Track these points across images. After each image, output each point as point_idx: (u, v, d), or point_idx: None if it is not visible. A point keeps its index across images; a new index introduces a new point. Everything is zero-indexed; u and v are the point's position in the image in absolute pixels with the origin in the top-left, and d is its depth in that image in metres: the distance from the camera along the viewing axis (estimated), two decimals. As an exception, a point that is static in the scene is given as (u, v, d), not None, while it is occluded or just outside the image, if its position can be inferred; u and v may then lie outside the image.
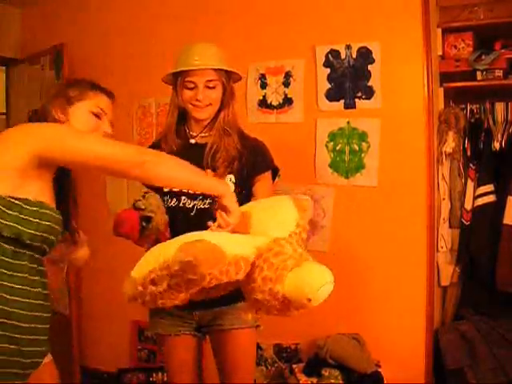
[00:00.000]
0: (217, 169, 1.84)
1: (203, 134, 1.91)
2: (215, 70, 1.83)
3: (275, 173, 1.98)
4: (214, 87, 1.84)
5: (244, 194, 1.84)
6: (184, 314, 1.89)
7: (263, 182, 1.91)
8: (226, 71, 1.87)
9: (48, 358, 1.59)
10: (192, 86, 1.83)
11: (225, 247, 1.26)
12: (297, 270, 1.27)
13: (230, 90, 1.89)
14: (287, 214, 1.48)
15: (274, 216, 1.48)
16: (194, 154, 1.82)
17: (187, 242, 1.26)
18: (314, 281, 1.24)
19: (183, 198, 1.84)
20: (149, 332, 2.00)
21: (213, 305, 1.82)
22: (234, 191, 1.76)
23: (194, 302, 1.77)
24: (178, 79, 1.86)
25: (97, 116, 1.58)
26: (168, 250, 1.28)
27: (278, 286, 1.26)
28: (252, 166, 1.87)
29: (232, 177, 1.85)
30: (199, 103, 1.83)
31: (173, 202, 1.86)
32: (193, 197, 1.83)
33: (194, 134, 1.92)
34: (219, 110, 1.89)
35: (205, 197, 1.82)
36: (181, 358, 1.94)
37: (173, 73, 1.88)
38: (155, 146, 1.95)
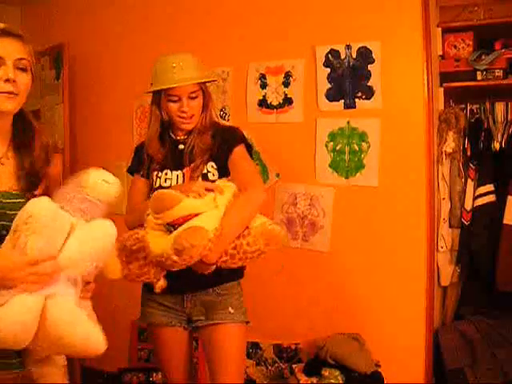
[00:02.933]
0: (194, 161, 1.91)
1: (186, 137, 2.00)
2: None
3: (249, 151, 2.02)
4: (196, 97, 1.92)
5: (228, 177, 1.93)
6: (174, 303, 1.95)
7: (239, 157, 1.94)
8: None
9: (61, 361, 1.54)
10: (176, 98, 1.90)
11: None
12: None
13: (208, 94, 1.98)
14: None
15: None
16: (178, 156, 1.95)
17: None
18: None
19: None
20: (140, 322, 2.03)
21: (200, 287, 1.91)
22: (219, 176, 1.89)
23: (182, 286, 1.86)
24: (161, 94, 1.92)
25: None
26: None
27: None
28: (224, 143, 1.94)
29: (213, 164, 1.92)
30: (185, 114, 1.91)
31: None
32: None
33: (181, 139, 1.99)
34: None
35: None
36: (172, 349, 2.00)
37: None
38: (139, 150, 2.04)
